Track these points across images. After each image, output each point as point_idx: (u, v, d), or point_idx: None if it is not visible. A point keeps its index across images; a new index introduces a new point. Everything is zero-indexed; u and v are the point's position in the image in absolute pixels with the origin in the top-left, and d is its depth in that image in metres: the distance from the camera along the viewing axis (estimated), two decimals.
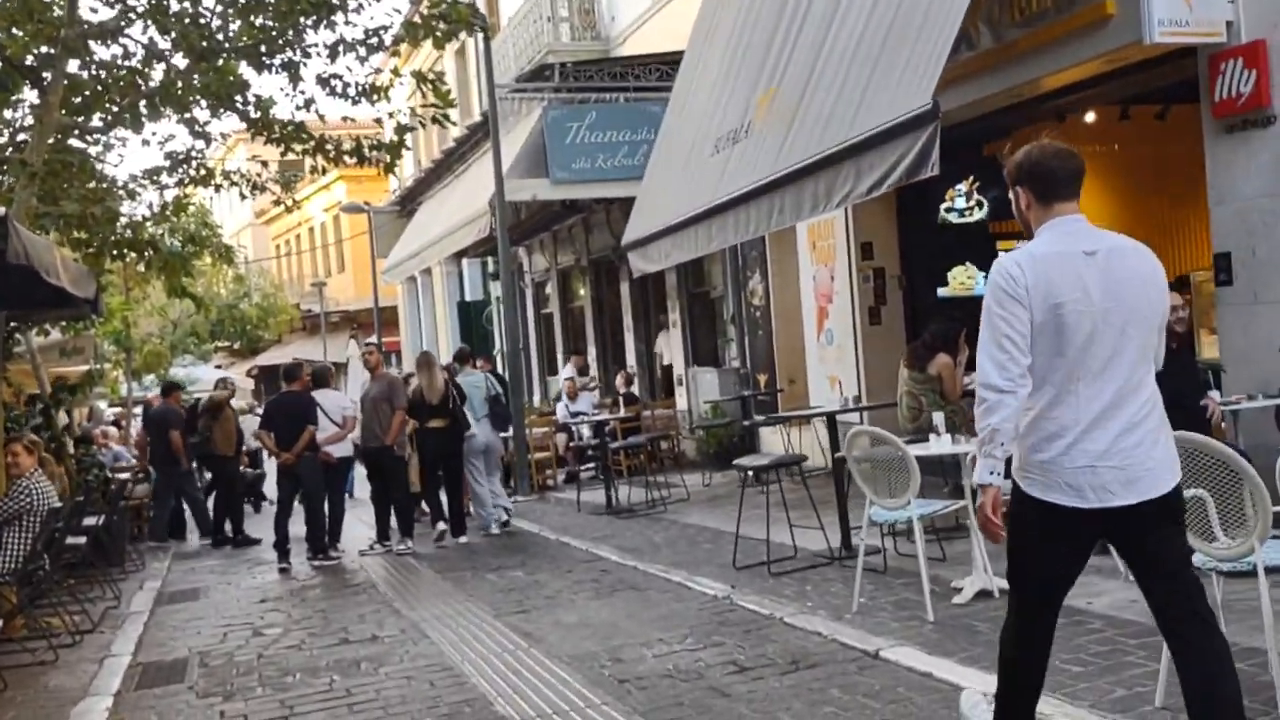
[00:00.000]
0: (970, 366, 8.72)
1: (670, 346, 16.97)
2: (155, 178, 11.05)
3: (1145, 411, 3.32)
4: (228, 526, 13.19)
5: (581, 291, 20.67)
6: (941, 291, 11.72)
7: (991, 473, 3.31)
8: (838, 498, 7.99)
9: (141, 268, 18.27)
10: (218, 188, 12.70)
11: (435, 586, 8.75)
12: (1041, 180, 3.42)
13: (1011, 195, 3.52)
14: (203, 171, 11.69)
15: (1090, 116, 11.27)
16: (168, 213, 11.69)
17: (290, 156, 11.26)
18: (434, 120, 10.54)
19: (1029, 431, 3.34)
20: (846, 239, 11.88)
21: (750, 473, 8.82)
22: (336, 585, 9.44)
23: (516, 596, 7.95)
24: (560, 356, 21.61)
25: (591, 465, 15.50)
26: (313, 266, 41.01)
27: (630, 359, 17.25)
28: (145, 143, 11.66)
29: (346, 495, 12.00)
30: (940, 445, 6.43)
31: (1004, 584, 6.07)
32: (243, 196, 13.20)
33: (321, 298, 35.15)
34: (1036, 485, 3.32)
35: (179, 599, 9.57)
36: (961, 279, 11.75)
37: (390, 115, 10.64)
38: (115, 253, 10.45)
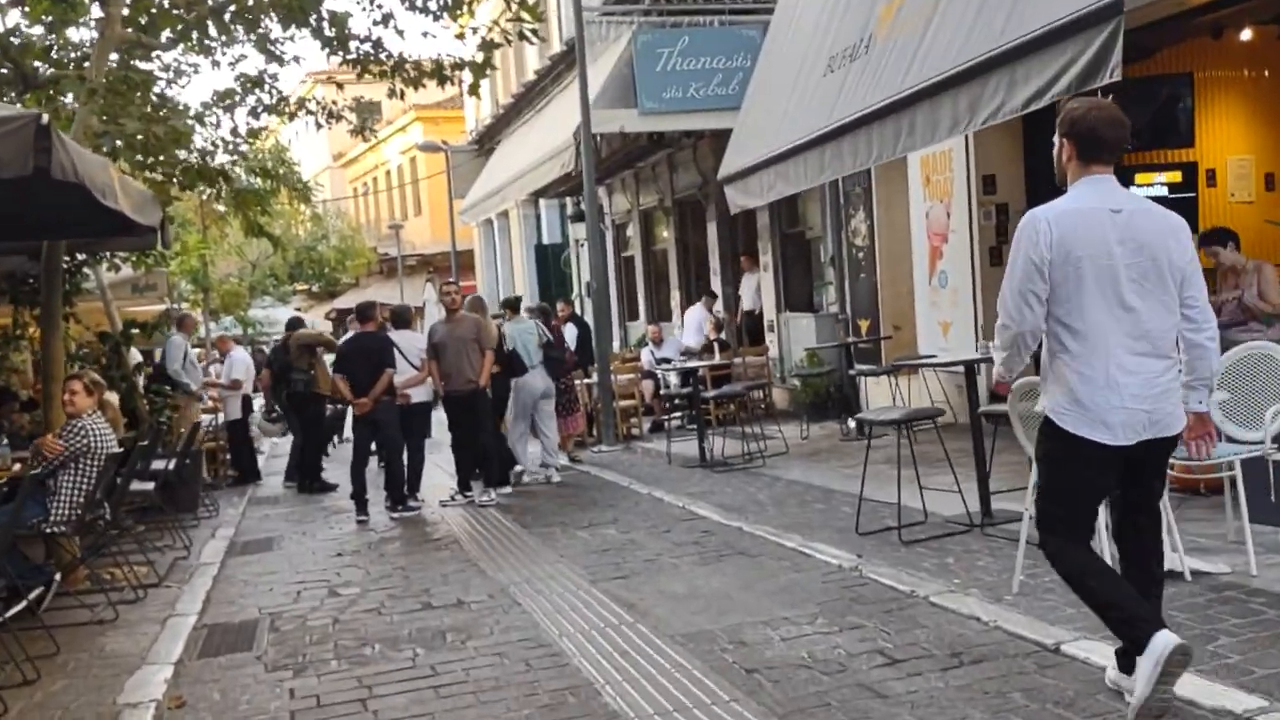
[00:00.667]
0: None
1: (753, 290, 15.97)
2: (226, 101, 10.31)
3: (1169, 361, 3.69)
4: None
5: (665, 234, 19.75)
6: None
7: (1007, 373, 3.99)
8: (976, 457, 7.04)
9: (216, 204, 17.80)
10: (292, 115, 12.02)
11: (522, 544, 7.99)
12: (1088, 140, 3.67)
13: (1056, 141, 3.78)
14: (277, 98, 10.96)
15: (1247, 34, 10.04)
16: (240, 141, 10.96)
17: (367, 79, 10.40)
18: (520, 36, 9.64)
19: (1063, 375, 3.69)
20: (967, 172, 10.78)
21: (875, 428, 7.89)
22: (417, 539, 8.74)
23: (613, 558, 7.15)
24: (643, 300, 20.75)
25: (678, 414, 14.66)
26: (389, 209, 40.53)
27: (718, 304, 16.30)
28: (215, 64, 10.79)
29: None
30: None
31: (1197, 565, 5.17)
32: (319, 125, 12.48)
33: (399, 241, 34.62)
34: (1071, 422, 3.66)
35: (252, 549, 8.95)
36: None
37: (474, 31, 9.79)
38: (183, 180, 9.74)
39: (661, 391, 14.04)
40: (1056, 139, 3.77)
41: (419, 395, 10.50)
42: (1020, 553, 5.36)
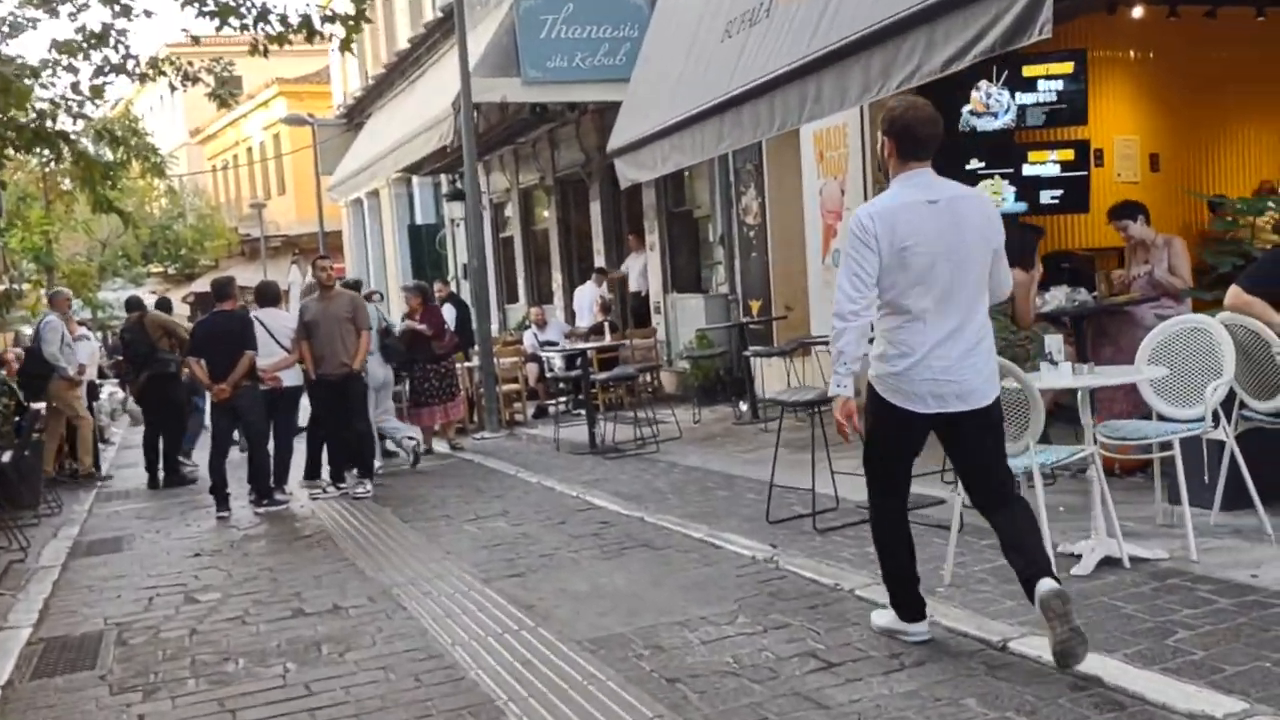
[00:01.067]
0: (1043, 287, 7.46)
1: (639, 271, 15.52)
2: (66, 52, 9.32)
3: (980, 336, 3.97)
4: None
5: (545, 213, 19.13)
6: None
7: (841, 386, 3.96)
8: None
9: (59, 174, 16.46)
10: (143, 76, 11.04)
11: (404, 540, 7.36)
12: (905, 138, 3.98)
13: (879, 139, 4.10)
14: (124, 55, 10.00)
15: (1138, 11, 9.99)
16: (83, 100, 9.96)
17: (227, 36, 9.55)
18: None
19: (886, 351, 3.97)
20: (861, 148, 10.48)
21: (774, 410, 7.49)
22: (285, 537, 8.01)
23: (505, 554, 6.59)
24: (523, 282, 20.10)
25: (564, 399, 14.11)
26: (251, 188, 38.79)
27: (603, 286, 15.79)
28: (54, 13, 9.73)
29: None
30: (1057, 377, 5.05)
31: (1135, 551, 4.88)
32: (173, 88, 11.53)
33: (261, 220, 33.13)
34: (888, 391, 3.99)
35: (99, 550, 8.10)
36: (987, 195, 10.48)
37: None
38: (18, 143, 8.75)
39: (548, 374, 13.46)
40: (880, 135, 4.11)
41: (289, 379, 9.72)
42: (952, 542, 4.99)
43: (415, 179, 24.80)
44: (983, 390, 3.98)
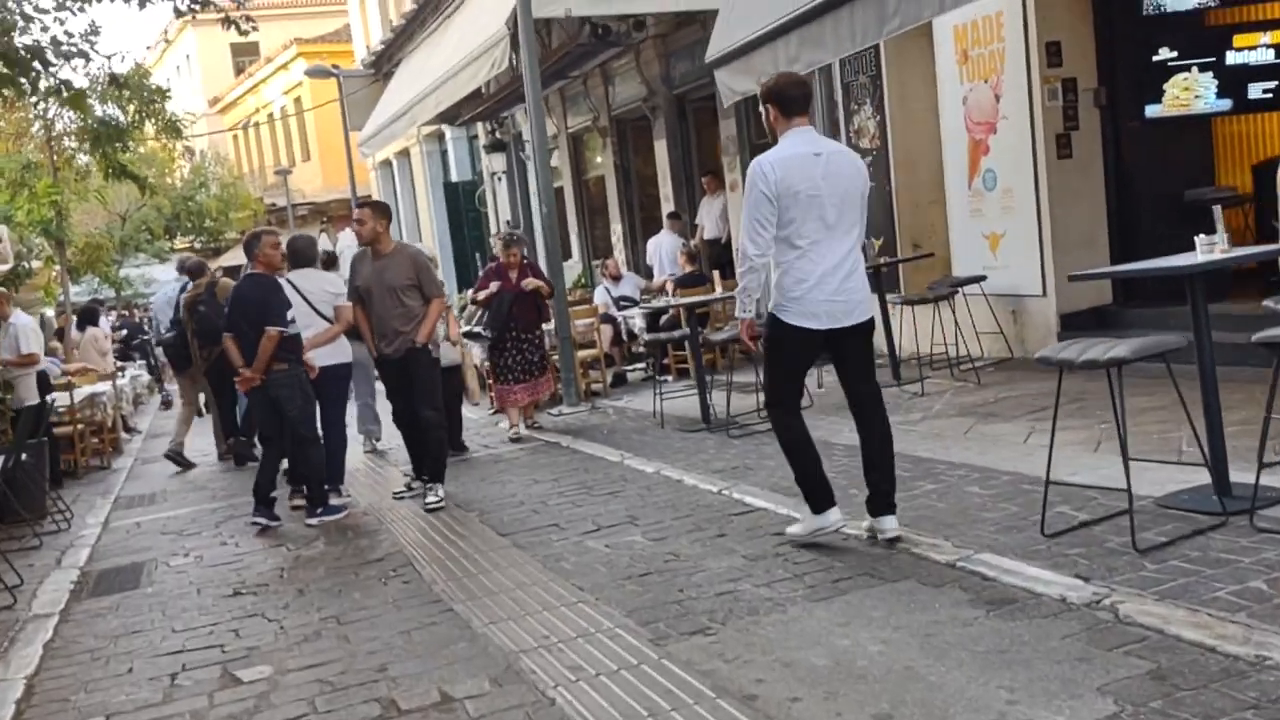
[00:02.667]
0: None
1: (717, 216, 13.46)
2: None
3: (857, 262, 4.75)
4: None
5: (599, 159, 17.05)
6: (1151, 111, 8.38)
7: (745, 311, 4.82)
8: (1207, 405, 4.62)
9: (68, 137, 14.54)
10: (142, 2, 9.06)
11: (509, 565, 5.38)
12: (783, 100, 4.71)
13: (762, 110, 4.84)
14: None
15: None
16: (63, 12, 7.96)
17: None
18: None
19: (784, 279, 4.66)
20: (1024, 39, 8.37)
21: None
22: (351, 561, 6.05)
23: (665, 590, 4.60)
24: (575, 237, 18.06)
25: (642, 364, 12.11)
26: (275, 156, 36.78)
27: (686, 231, 13.76)
28: None
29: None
30: None
31: None
32: (178, 13, 9.53)
33: (287, 188, 31.15)
34: (790, 314, 4.68)
35: (110, 586, 6.21)
36: (1180, 92, 8.37)
37: None
38: None
39: (645, 338, 11.39)
40: (761, 107, 4.83)
41: (334, 357, 7.77)
42: None
43: (449, 133, 22.78)
44: (863, 307, 4.78)
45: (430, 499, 7.02)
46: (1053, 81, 8.34)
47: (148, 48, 46.90)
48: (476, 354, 11.23)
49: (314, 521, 7.03)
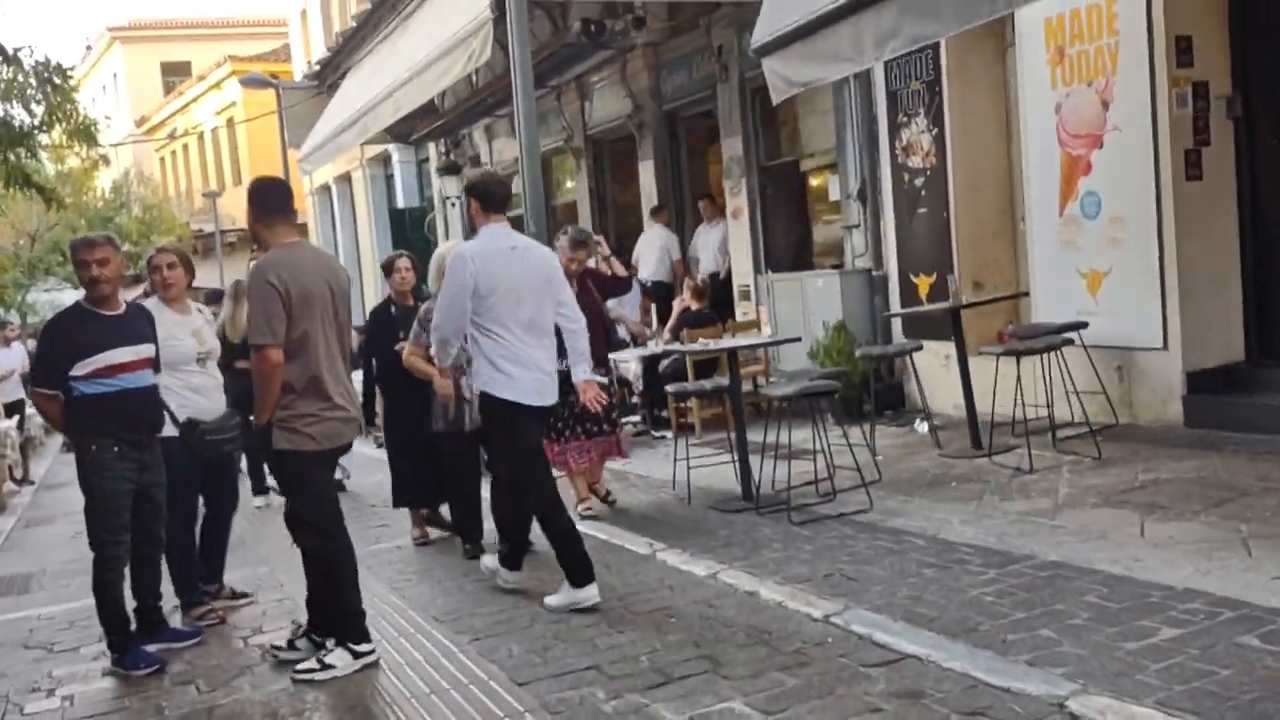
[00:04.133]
0: None
1: (716, 247, 11.67)
2: None
3: (552, 347, 5.09)
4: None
5: (571, 182, 15.18)
6: None
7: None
8: None
9: None
10: None
11: None
12: (488, 197, 5.01)
13: (463, 201, 5.64)
14: None
15: None
16: None
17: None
18: None
19: (500, 361, 4.90)
20: (1148, 33, 6.69)
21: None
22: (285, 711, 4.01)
23: None
24: None
25: (635, 418, 10.16)
26: (204, 179, 34.28)
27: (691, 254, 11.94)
28: None
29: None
30: None
31: None
32: None
33: (215, 213, 28.74)
34: (507, 391, 4.88)
35: None
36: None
37: None
38: None
39: (671, 387, 9.17)
40: (465, 199, 5.79)
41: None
42: None
43: (396, 155, 20.79)
44: (555, 387, 5.09)
45: (308, 667, 4.46)
46: (1183, 84, 6.66)
47: (71, 67, 44.18)
48: None
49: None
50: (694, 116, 12.34)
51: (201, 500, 5.59)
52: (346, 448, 4.74)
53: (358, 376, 5.97)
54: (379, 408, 7.57)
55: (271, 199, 4.49)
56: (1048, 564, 4.63)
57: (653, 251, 11.68)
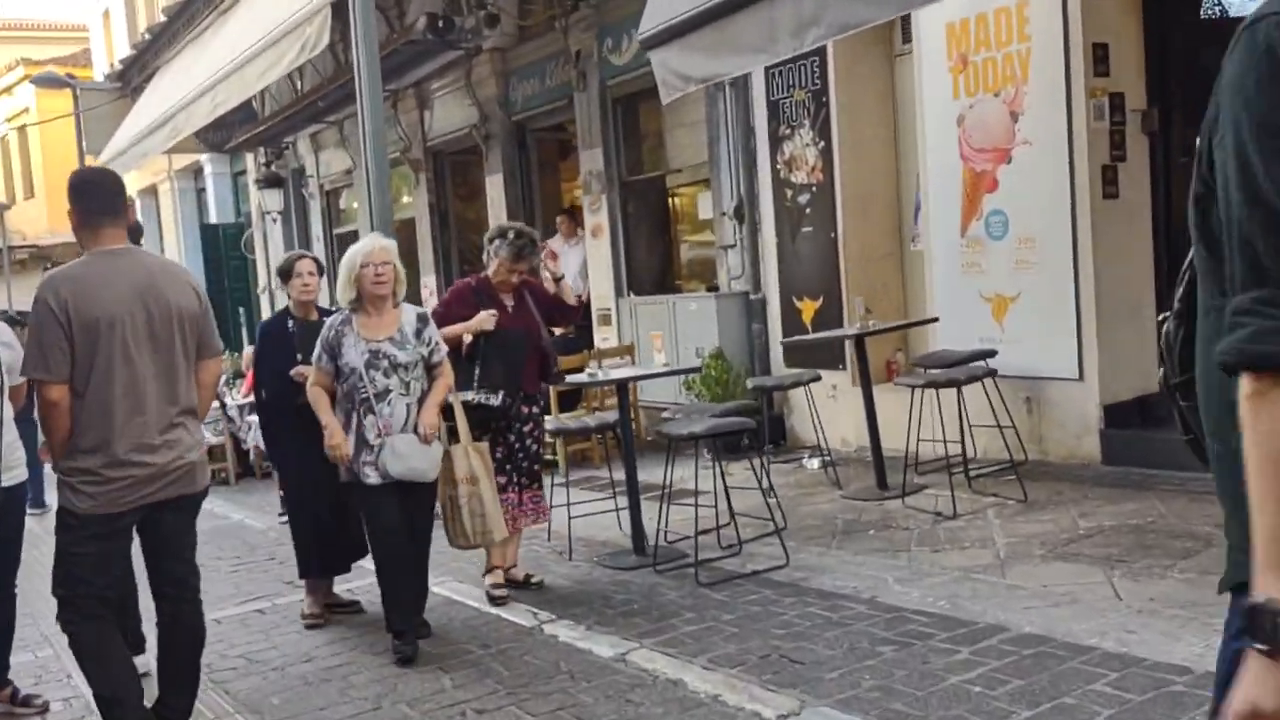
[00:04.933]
0: None
1: (576, 269, 10.71)
2: None
3: None
4: None
5: (407, 198, 13.95)
6: None
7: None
8: None
9: None
10: None
11: None
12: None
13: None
14: None
15: None
16: None
17: None
18: None
19: None
20: (1064, 39, 6.16)
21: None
22: None
23: None
24: None
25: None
26: None
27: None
28: None
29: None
30: None
31: None
32: None
33: (3, 226, 25.92)
34: None
35: None
36: None
37: None
38: None
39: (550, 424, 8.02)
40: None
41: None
42: None
43: (209, 168, 19.05)
44: None
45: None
46: (1100, 95, 6.16)
47: None
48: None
49: None
50: (547, 128, 11.41)
51: None
52: (177, 504, 3.59)
53: None
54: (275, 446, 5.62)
55: (96, 196, 3.56)
56: (1026, 638, 3.87)
57: (576, 263, 10.48)
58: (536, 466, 5.27)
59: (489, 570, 5.19)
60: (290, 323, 5.24)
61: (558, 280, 5.51)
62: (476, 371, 4.99)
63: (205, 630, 3.76)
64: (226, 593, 5.95)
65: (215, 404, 8.61)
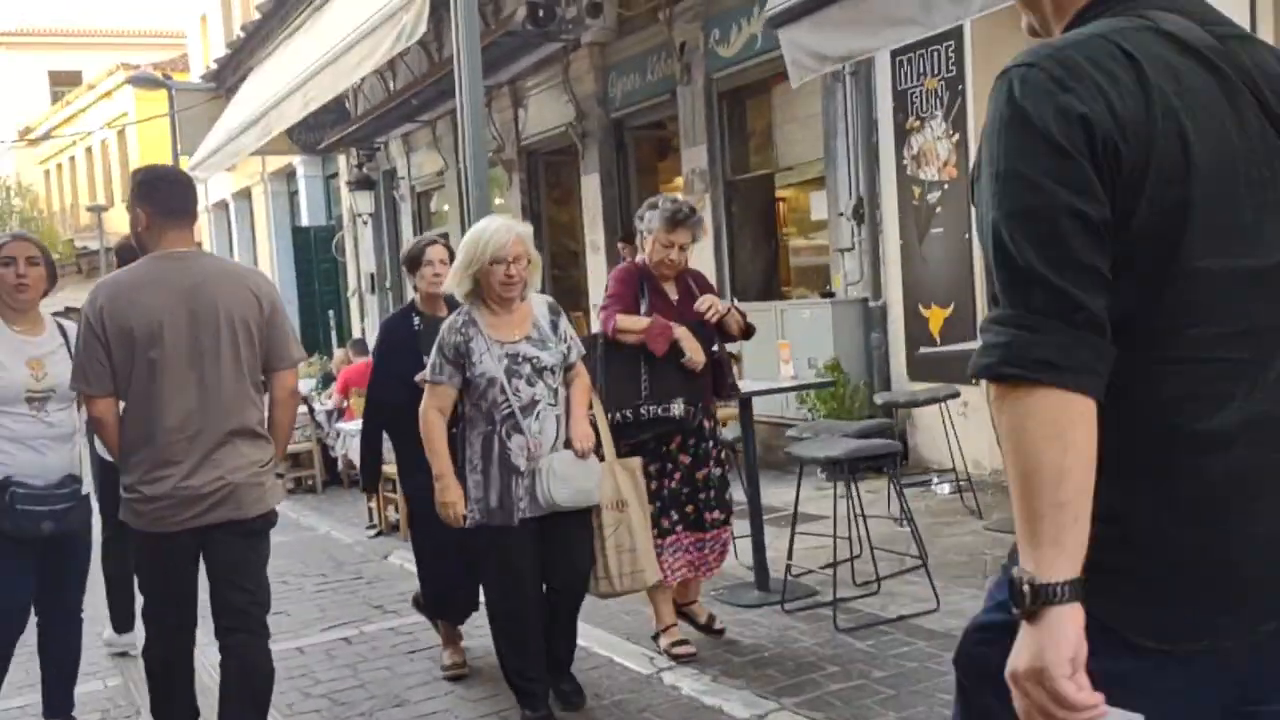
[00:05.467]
0: None
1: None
2: None
3: None
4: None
5: (499, 200, 13.52)
6: None
7: None
8: None
9: None
10: None
11: None
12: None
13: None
14: None
15: None
16: None
17: None
18: None
19: None
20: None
21: None
22: None
23: None
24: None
25: None
26: (91, 194, 31.65)
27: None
28: None
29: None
30: None
31: None
32: None
33: (100, 227, 26.27)
34: None
35: None
36: None
37: None
38: None
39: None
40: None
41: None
42: None
43: (301, 170, 18.91)
44: None
45: None
46: None
47: None
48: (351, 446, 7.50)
49: None
50: (646, 126, 10.88)
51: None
52: (239, 527, 3.23)
53: None
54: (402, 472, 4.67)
55: (174, 194, 3.30)
56: None
57: None
58: (728, 496, 4.38)
59: (664, 630, 4.27)
60: (416, 320, 4.39)
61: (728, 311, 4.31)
62: (645, 378, 4.08)
63: (271, 669, 3.33)
64: (311, 616, 5.49)
65: (302, 408, 8.21)
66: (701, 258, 9.58)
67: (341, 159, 16.90)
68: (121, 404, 3.22)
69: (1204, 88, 1.26)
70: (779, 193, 9.48)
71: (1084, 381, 1.21)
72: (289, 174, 19.88)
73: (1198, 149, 1.23)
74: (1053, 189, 1.22)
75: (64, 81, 35.98)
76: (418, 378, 3.78)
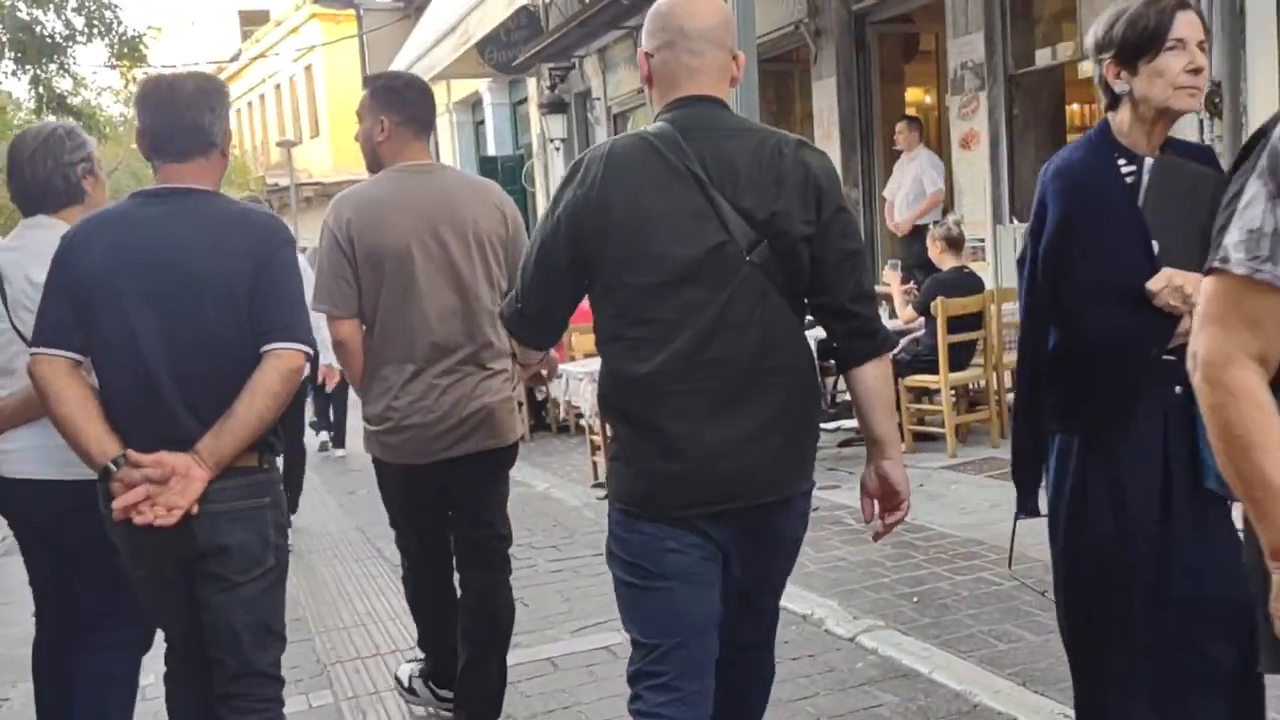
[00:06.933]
0: None
1: (911, 187, 8.40)
2: None
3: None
4: None
5: None
6: None
7: None
8: None
9: None
10: None
11: None
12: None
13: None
14: None
15: None
16: None
17: None
18: None
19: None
20: None
21: None
22: None
23: None
24: None
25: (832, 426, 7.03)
26: (280, 131, 31.83)
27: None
28: None
29: None
30: None
31: None
32: None
33: (290, 165, 26.15)
34: None
35: None
36: None
37: None
38: None
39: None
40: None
41: None
42: None
43: (488, 98, 18.00)
44: None
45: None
46: None
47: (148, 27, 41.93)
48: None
49: None
50: (892, 19, 9.23)
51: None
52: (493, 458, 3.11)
53: None
54: None
55: (417, 102, 3.11)
56: None
57: (911, 181, 8.32)
58: None
59: None
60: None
61: None
62: None
63: (512, 610, 3.19)
64: (555, 610, 4.33)
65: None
66: (971, 170, 8.00)
67: (531, 83, 15.83)
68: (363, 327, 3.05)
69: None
70: (1074, 88, 7.74)
71: None
72: (474, 103, 19.04)
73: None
74: None
75: (254, 21, 36.37)
76: None
